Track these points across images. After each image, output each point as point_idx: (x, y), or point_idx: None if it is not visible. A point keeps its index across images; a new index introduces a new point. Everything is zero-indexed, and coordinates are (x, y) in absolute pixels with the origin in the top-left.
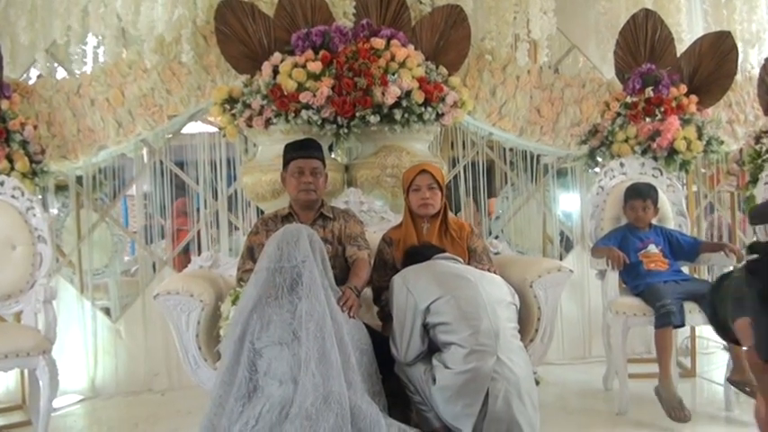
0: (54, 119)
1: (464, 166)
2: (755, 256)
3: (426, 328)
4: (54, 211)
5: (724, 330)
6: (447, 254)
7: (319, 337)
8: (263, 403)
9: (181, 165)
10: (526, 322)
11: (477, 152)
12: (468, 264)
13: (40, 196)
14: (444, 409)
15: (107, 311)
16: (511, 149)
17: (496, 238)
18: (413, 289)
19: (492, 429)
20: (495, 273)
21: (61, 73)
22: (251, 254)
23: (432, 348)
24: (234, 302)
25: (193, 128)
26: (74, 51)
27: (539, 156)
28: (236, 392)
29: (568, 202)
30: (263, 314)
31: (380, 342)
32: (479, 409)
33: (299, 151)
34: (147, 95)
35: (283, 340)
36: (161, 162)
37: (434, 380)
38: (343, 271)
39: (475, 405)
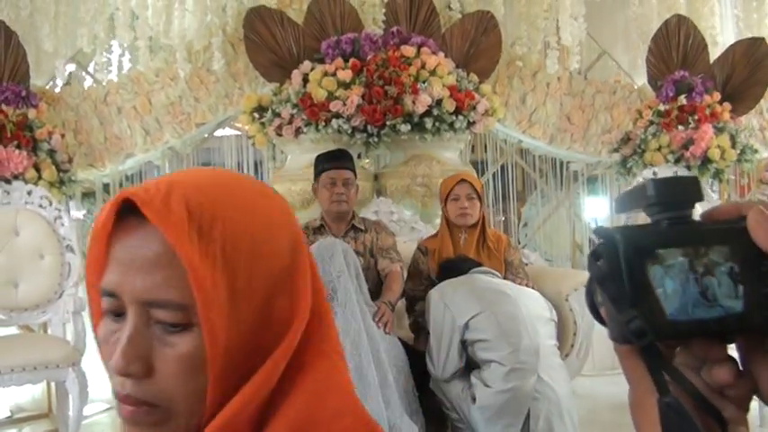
0: (81, 127)
1: (493, 174)
2: (601, 241)
3: (464, 344)
4: (79, 215)
5: (602, 320)
6: (484, 267)
7: (355, 355)
8: None
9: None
10: (562, 337)
11: (507, 159)
12: (504, 277)
13: (66, 204)
14: (484, 428)
15: None
16: (540, 156)
17: (524, 247)
18: (450, 304)
19: None
20: (532, 287)
21: (88, 81)
22: None
23: (469, 365)
24: None
25: (220, 130)
26: (99, 59)
27: (567, 162)
28: None
29: (598, 210)
30: None
31: (414, 357)
32: (520, 429)
33: (331, 162)
34: (174, 103)
35: None
36: (187, 168)
37: (474, 398)
38: (375, 284)
39: (516, 425)
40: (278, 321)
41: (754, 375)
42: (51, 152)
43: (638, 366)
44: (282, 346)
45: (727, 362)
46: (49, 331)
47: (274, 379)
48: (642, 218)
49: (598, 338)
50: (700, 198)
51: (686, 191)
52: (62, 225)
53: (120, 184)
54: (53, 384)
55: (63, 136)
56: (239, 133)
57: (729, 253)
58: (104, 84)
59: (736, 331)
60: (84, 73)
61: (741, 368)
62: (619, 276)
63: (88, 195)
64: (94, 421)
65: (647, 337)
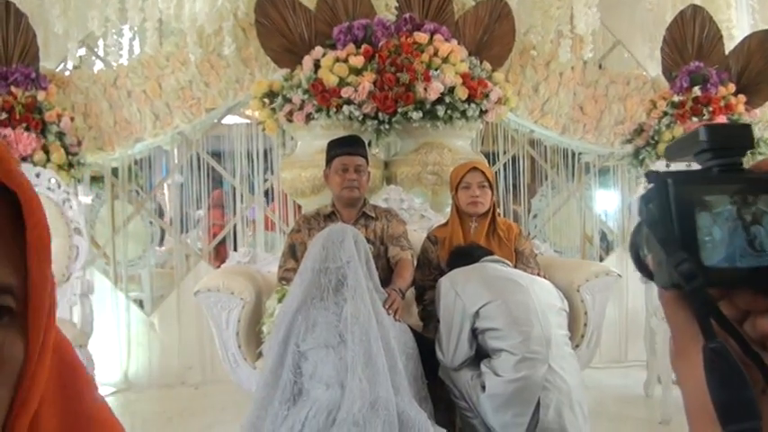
0: (90, 110)
1: (504, 164)
2: (651, 185)
3: (475, 332)
4: (87, 200)
5: (648, 272)
6: (495, 256)
7: (365, 341)
8: (309, 407)
9: (217, 155)
10: (573, 327)
11: (518, 149)
12: (515, 266)
13: (74, 187)
14: (493, 417)
15: (140, 304)
16: (551, 147)
17: (534, 238)
18: (461, 292)
19: None
20: (544, 277)
21: (98, 65)
22: (292, 252)
23: (479, 354)
24: (280, 300)
25: (230, 119)
26: (111, 42)
27: (579, 154)
28: (280, 395)
29: (609, 202)
30: (308, 316)
31: (423, 344)
32: (530, 418)
33: (344, 148)
34: (184, 88)
35: (329, 343)
36: (197, 154)
37: (483, 387)
38: (385, 271)
39: (525, 415)
40: None
41: None
42: (60, 135)
43: (682, 313)
44: None
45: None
46: (57, 314)
47: None
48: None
49: (605, 331)
50: (751, 146)
51: (739, 138)
52: (70, 208)
53: (129, 169)
54: None
55: (72, 119)
56: (249, 121)
57: None
58: (114, 67)
59: None
60: (94, 57)
61: None
62: (669, 220)
63: (97, 179)
64: None
65: (697, 280)
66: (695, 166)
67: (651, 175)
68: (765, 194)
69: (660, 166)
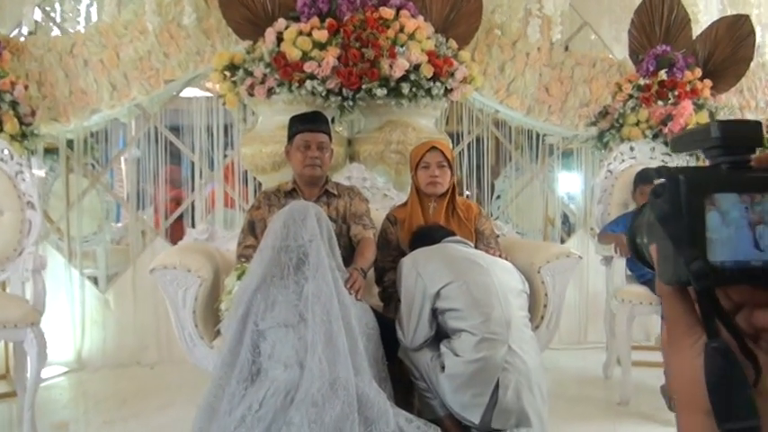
0: (45, 79)
1: (468, 144)
2: (662, 180)
3: (435, 313)
4: (41, 173)
5: (645, 261)
6: (457, 237)
7: (326, 321)
8: (268, 387)
9: (175, 129)
10: (532, 309)
11: (483, 129)
12: (476, 246)
13: (27, 159)
14: (452, 397)
15: (95, 281)
16: (515, 128)
17: (496, 219)
18: (423, 272)
19: (500, 420)
20: (506, 259)
21: (54, 31)
22: (252, 229)
23: (439, 334)
24: (239, 278)
25: (190, 92)
26: (68, 8)
27: (543, 135)
28: (238, 375)
29: (572, 184)
30: (268, 294)
31: (384, 325)
32: (488, 399)
33: (306, 124)
34: (143, 58)
35: (289, 322)
36: (155, 127)
37: (443, 367)
38: (347, 250)
39: (484, 395)
40: None
41: None
42: (13, 104)
43: (679, 307)
44: None
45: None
46: (8, 290)
47: None
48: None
49: (565, 313)
50: (761, 144)
51: (750, 135)
52: (23, 181)
53: (85, 141)
54: (11, 345)
55: (26, 87)
56: (209, 95)
57: None
58: (71, 34)
59: None
60: (50, 23)
61: None
62: (680, 216)
63: (51, 152)
64: (53, 384)
65: (708, 278)
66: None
67: (662, 170)
68: None
69: (624, 149)
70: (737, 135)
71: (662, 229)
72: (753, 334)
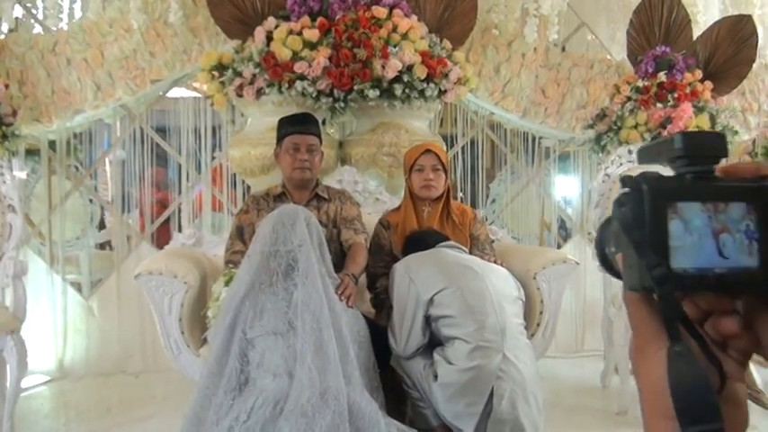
0: (27, 78)
1: (462, 147)
2: (626, 189)
3: (428, 320)
4: (22, 174)
5: (613, 270)
6: (451, 242)
7: (316, 329)
8: (256, 397)
9: (162, 130)
10: (528, 316)
11: (477, 132)
12: (470, 252)
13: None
14: (445, 407)
15: (78, 287)
16: (511, 131)
17: (491, 224)
18: (415, 278)
19: (495, 430)
20: (501, 264)
21: (36, 28)
22: (240, 234)
23: (433, 342)
24: (227, 284)
25: (176, 92)
26: (50, 5)
27: (540, 138)
28: (225, 384)
29: (569, 188)
30: (257, 301)
31: (375, 332)
32: (482, 408)
33: (296, 126)
34: (128, 57)
35: (278, 330)
36: (141, 128)
37: (436, 376)
38: (337, 256)
39: (478, 404)
40: None
41: (757, 332)
42: None
43: (645, 314)
44: None
45: (734, 313)
46: None
47: None
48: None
49: (562, 320)
50: (725, 155)
51: (713, 146)
52: (3, 183)
53: (68, 142)
54: None
55: (7, 86)
56: (197, 95)
57: (746, 211)
58: (54, 32)
59: (746, 287)
60: (32, 20)
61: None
62: (643, 224)
63: (32, 153)
64: (34, 393)
65: (668, 284)
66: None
67: (626, 179)
68: (735, 203)
69: (622, 152)
70: (701, 146)
71: (626, 237)
72: (721, 342)
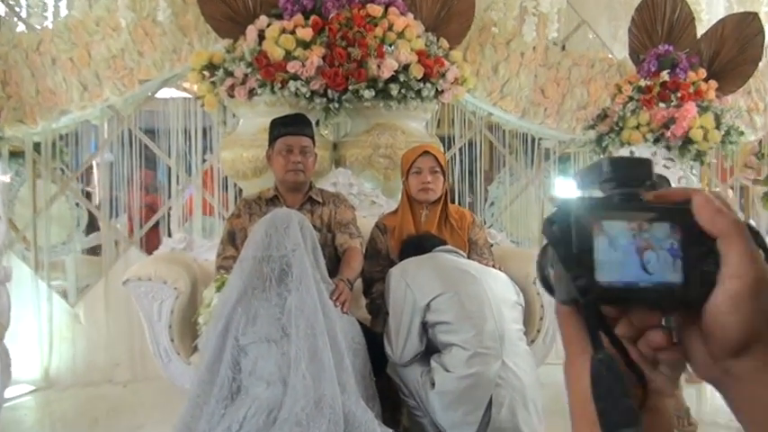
0: (10, 78)
1: (460, 148)
2: (556, 208)
3: (425, 326)
4: (6, 178)
5: (552, 290)
6: (449, 246)
7: (310, 335)
8: (249, 406)
9: (150, 132)
10: (528, 322)
11: (475, 133)
12: (468, 257)
13: None
14: (442, 415)
15: (64, 293)
16: (510, 132)
17: (490, 227)
18: (412, 283)
19: None
20: (499, 269)
21: (20, 27)
22: (232, 239)
23: (430, 349)
24: (219, 290)
25: (166, 92)
26: (34, 2)
27: (539, 139)
28: (217, 393)
29: (569, 191)
30: (249, 307)
31: (371, 339)
32: (481, 417)
33: (288, 127)
34: (116, 57)
35: (271, 337)
36: (129, 130)
37: (433, 384)
38: (332, 260)
39: (477, 412)
40: None
41: (686, 347)
42: None
43: (574, 327)
44: None
45: (661, 327)
46: None
47: None
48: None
49: None
50: (650, 178)
51: (639, 171)
52: None
53: (54, 144)
54: None
55: None
56: (187, 96)
57: (671, 231)
58: (38, 31)
59: (672, 303)
60: (15, 18)
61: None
62: (569, 240)
63: (16, 155)
64: (18, 404)
65: (592, 293)
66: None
67: (556, 200)
68: (658, 223)
69: (624, 152)
70: (626, 170)
71: (555, 253)
72: (653, 358)
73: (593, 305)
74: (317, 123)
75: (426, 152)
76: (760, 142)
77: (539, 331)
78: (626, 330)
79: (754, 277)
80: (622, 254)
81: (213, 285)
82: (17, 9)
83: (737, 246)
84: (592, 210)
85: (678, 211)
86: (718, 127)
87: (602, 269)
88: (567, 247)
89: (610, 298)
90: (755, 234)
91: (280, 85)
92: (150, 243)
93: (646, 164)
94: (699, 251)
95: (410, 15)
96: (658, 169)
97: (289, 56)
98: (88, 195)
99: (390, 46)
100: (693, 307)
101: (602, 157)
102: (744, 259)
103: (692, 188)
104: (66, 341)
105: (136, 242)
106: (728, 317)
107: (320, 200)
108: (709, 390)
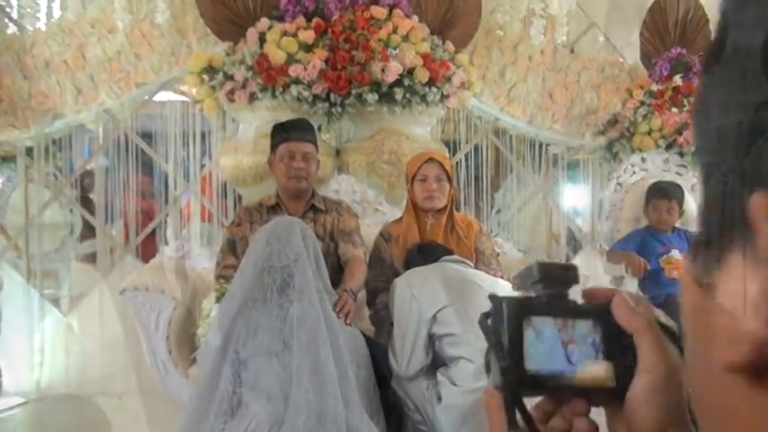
0: (1, 81)
1: (465, 154)
2: (492, 305)
3: (432, 338)
4: None
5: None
6: (456, 256)
7: (313, 347)
8: (249, 421)
9: (147, 136)
10: None
11: (481, 139)
12: (475, 267)
13: None
14: (449, 431)
15: (57, 302)
16: (517, 137)
17: (497, 236)
18: (418, 294)
19: None
20: (507, 279)
21: (11, 28)
22: (232, 248)
23: (436, 362)
24: (218, 300)
25: (163, 96)
26: (26, 3)
27: (547, 145)
28: (216, 408)
29: (578, 198)
30: (250, 319)
31: (375, 351)
32: None
33: (291, 133)
34: (112, 59)
35: (272, 350)
36: (125, 134)
37: (439, 398)
38: (334, 270)
39: (485, 428)
40: None
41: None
42: None
43: (496, 409)
44: None
45: (585, 416)
46: None
47: None
48: None
49: None
50: (576, 281)
51: (564, 275)
52: None
53: (47, 149)
54: None
55: None
56: (185, 99)
57: (592, 327)
58: (30, 32)
59: (595, 392)
60: (6, 19)
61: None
62: (501, 333)
63: (8, 160)
64: (9, 416)
65: (515, 377)
66: None
67: (492, 297)
68: (581, 320)
69: (636, 160)
70: (553, 274)
71: (488, 342)
72: None
73: (513, 387)
74: (319, 128)
75: (432, 159)
76: None
77: None
78: (560, 424)
79: (664, 371)
80: (548, 346)
81: (213, 295)
82: (8, 10)
83: (649, 342)
84: (523, 306)
85: (598, 310)
86: None
87: (530, 359)
88: (498, 338)
89: (538, 384)
90: (668, 331)
91: (281, 89)
92: (146, 251)
93: (572, 269)
94: (620, 346)
95: (415, 18)
96: (671, 176)
97: (290, 59)
98: (89, 202)
99: (395, 49)
100: (616, 398)
101: (533, 262)
102: (655, 355)
103: (614, 289)
104: (59, 352)
105: (132, 250)
106: (644, 406)
107: (323, 208)
108: None
